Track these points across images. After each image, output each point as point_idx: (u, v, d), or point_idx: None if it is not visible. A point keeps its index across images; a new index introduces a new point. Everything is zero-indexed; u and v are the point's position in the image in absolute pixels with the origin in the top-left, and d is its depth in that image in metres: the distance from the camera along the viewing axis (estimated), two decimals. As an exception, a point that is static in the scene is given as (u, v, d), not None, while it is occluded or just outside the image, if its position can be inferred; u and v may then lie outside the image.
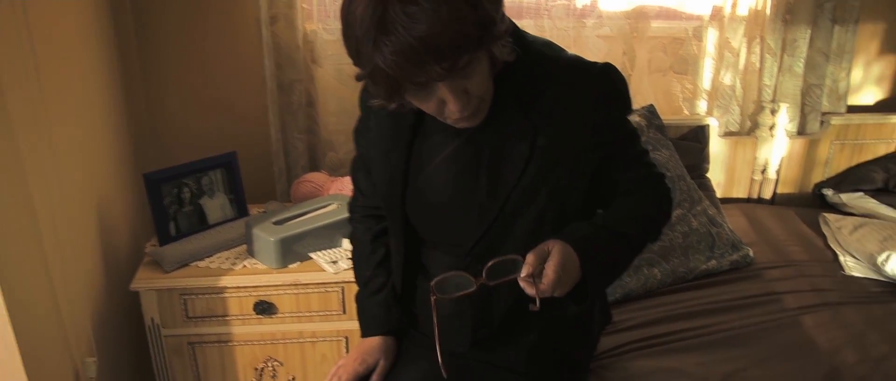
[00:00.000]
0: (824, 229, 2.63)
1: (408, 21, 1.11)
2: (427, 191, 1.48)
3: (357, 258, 1.74)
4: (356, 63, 1.21)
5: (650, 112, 2.58)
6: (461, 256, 1.48)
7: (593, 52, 2.65)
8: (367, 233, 1.70)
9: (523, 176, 1.39)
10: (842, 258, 2.42)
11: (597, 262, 1.37)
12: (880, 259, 2.27)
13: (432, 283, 1.31)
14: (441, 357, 1.35)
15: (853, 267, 2.37)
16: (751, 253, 2.38)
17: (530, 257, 1.28)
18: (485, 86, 1.28)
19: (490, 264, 1.30)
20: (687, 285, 2.24)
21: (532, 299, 1.28)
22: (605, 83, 1.39)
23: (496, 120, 1.36)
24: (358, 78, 1.25)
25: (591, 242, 1.37)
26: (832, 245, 2.51)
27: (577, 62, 1.40)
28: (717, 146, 2.82)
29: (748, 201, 2.94)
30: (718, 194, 2.82)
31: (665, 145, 2.47)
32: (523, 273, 1.27)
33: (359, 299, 1.72)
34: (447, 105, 1.25)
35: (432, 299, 1.31)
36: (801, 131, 2.89)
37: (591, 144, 1.40)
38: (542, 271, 1.28)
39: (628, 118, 1.49)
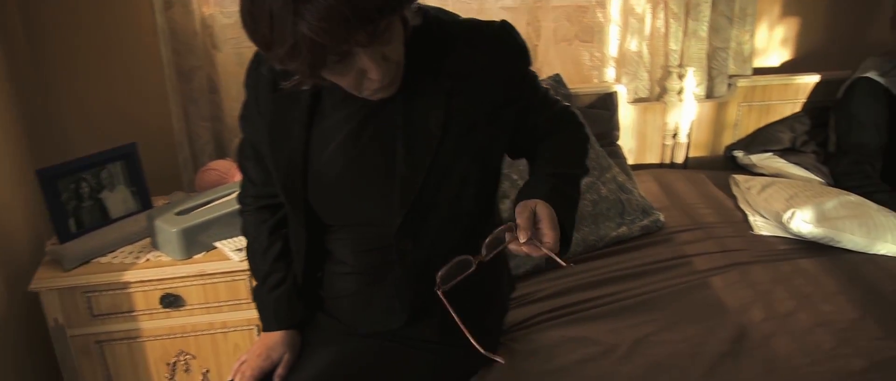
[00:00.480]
0: (734, 191, 2.65)
1: None
2: (334, 173, 1.44)
3: (253, 253, 1.67)
4: (268, 43, 1.15)
5: (556, 81, 2.58)
6: (387, 234, 1.45)
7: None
8: (261, 226, 1.64)
9: (443, 142, 1.39)
10: (751, 218, 2.45)
11: (568, 210, 1.39)
12: (785, 217, 2.30)
13: (439, 276, 1.27)
14: (473, 340, 1.29)
15: (762, 226, 2.40)
16: (661, 218, 2.39)
17: (522, 222, 1.26)
18: (401, 51, 1.27)
19: (487, 239, 1.28)
20: (598, 253, 2.24)
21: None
22: (507, 39, 1.42)
23: (406, 89, 1.35)
24: (273, 59, 1.18)
25: (557, 192, 1.38)
26: (742, 206, 2.54)
27: (475, 23, 1.42)
28: (626, 113, 2.82)
29: (661, 166, 2.97)
30: (631, 161, 2.85)
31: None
32: (522, 239, 1.25)
33: (257, 294, 1.66)
34: (368, 74, 1.22)
35: (439, 292, 1.27)
36: (710, 95, 2.91)
37: (504, 100, 1.43)
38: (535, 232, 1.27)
39: (530, 68, 1.50)
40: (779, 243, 2.32)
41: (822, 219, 2.27)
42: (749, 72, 2.93)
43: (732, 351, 1.80)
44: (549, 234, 1.26)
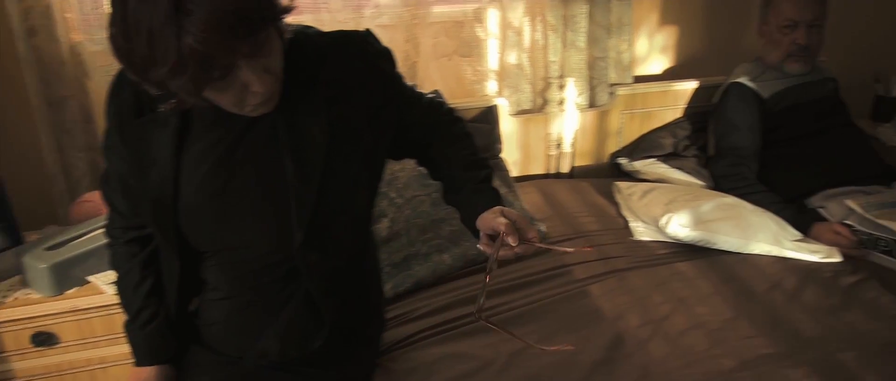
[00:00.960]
0: (617, 198, 2.69)
1: None
2: (207, 198, 1.40)
3: (124, 288, 1.61)
4: (147, 63, 1.11)
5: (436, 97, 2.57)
6: (286, 253, 1.43)
7: (376, 43, 2.62)
8: (132, 259, 1.58)
9: (330, 150, 1.39)
10: (632, 224, 2.48)
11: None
12: (662, 222, 2.33)
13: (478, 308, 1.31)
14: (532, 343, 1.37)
15: (643, 232, 2.43)
16: (543, 228, 2.40)
17: (507, 229, 1.31)
18: (280, 63, 1.26)
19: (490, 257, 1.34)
20: (478, 268, 2.23)
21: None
22: (373, 43, 1.48)
23: (284, 103, 1.34)
24: (151, 81, 1.14)
25: (498, 193, 1.50)
26: (624, 213, 2.57)
27: (341, 33, 1.46)
28: (509, 125, 2.84)
29: (546, 176, 2.98)
30: (516, 173, 2.86)
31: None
32: (515, 243, 1.31)
33: (129, 329, 1.61)
34: (251, 88, 1.20)
35: (480, 320, 1.30)
36: (592, 104, 2.94)
37: (382, 102, 1.46)
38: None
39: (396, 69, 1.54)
40: (658, 248, 2.36)
41: (698, 222, 2.31)
42: (630, 80, 2.98)
43: (608, 358, 1.82)
44: (531, 230, 1.34)
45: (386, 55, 1.50)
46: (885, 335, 1.94)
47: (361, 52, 1.45)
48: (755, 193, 2.60)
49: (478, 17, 2.74)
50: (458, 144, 1.62)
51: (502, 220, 1.33)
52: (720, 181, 2.72)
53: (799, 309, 2.05)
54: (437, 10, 2.72)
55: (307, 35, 1.41)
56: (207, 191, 1.39)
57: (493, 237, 1.35)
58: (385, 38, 2.54)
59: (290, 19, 1.27)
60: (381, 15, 2.63)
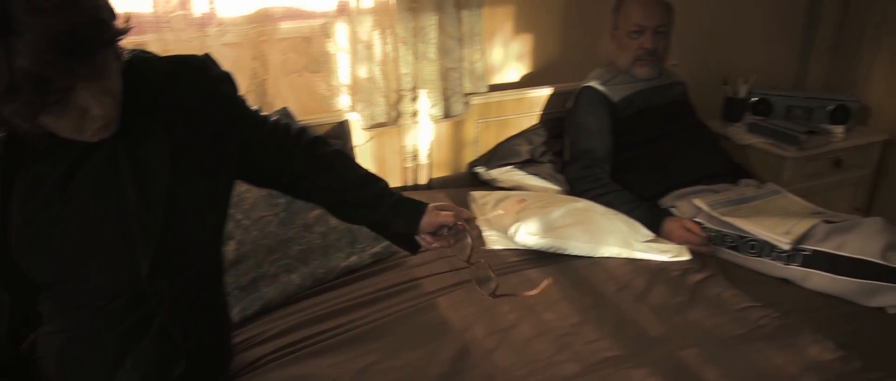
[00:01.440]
0: (472, 207, 2.69)
1: (43, 13, 1.03)
2: (48, 229, 1.33)
3: None
4: None
5: (284, 115, 2.53)
6: (132, 282, 1.38)
7: (221, 61, 2.52)
8: None
9: (175, 175, 1.36)
10: (485, 233, 2.48)
11: None
12: (510, 231, 2.35)
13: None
14: None
15: (496, 241, 2.44)
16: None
17: (461, 213, 1.57)
18: (119, 86, 1.23)
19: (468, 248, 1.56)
20: (328, 286, 2.20)
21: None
22: (212, 67, 1.49)
23: (123, 129, 1.30)
24: None
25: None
26: (479, 223, 2.56)
27: (179, 57, 1.46)
28: (363, 139, 2.81)
29: (404, 188, 2.96)
30: (372, 187, 2.83)
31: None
32: (474, 224, 1.54)
33: None
34: (90, 111, 1.16)
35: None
36: (447, 114, 2.94)
37: (224, 125, 1.47)
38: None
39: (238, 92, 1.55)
40: (509, 256, 2.36)
41: (548, 229, 2.33)
42: (484, 89, 2.99)
43: (454, 370, 1.81)
44: (465, 211, 1.63)
45: (226, 79, 1.50)
46: (726, 330, 2.00)
47: (201, 76, 1.45)
48: (608, 193, 2.65)
49: (326, 32, 2.70)
50: (338, 166, 1.66)
51: (448, 213, 1.55)
52: (574, 184, 2.76)
53: (646, 309, 2.09)
54: (285, 25, 2.68)
55: (145, 59, 1.39)
56: (40, 221, 1.33)
57: (436, 234, 1.60)
58: (231, 57, 2.54)
59: (132, 39, 1.25)
60: (225, 33, 2.57)
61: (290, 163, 1.63)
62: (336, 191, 1.66)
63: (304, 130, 1.68)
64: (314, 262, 2.21)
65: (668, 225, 2.53)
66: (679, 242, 2.47)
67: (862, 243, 2.28)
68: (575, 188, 2.76)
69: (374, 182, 1.68)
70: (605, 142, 2.81)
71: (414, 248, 1.72)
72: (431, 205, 1.63)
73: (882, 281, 2.20)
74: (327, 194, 1.68)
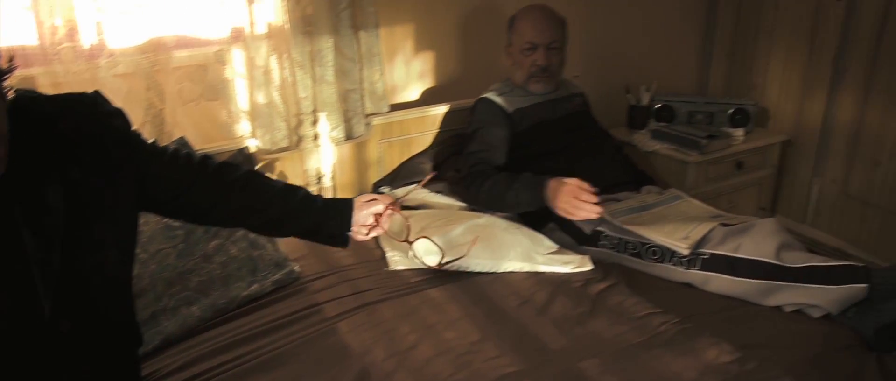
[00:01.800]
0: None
1: None
2: None
3: None
4: None
5: (182, 145, 2.50)
6: (34, 326, 1.34)
7: (115, 93, 2.50)
8: None
9: (71, 214, 1.34)
10: (389, 254, 2.48)
11: None
12: (411, 252, 2.33)
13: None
14: None
15: (399, 261, 2.43)
16: (296, 268, 2.36)
17: (393, 208, 1.74)
18: (6, 125, 1.21)
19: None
20: (229, 316, 2.17)
21: None
22: (103, 104, 1.46)
23: (13, 169, 1.27)
24: None
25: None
26: (382, 243, 2.56)
27: (68, 96, 1.44)
28: (264, 166, 2.79)
29: (310, 213, 2.93)
30: (276, 212, 2.81)
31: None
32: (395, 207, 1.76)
33: None
34: None
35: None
36: (349, 136, 2.94)
37: (119, 161, 1.45)
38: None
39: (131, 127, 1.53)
40: (412, 276, 2.36)
41: (449, 248, 2.33)
42: (386, 109, 3.00)
43: (353, 396, 1.80)
44: (383, 197, 1.77)
45: (118, 114, 1.49)
46: (627, 339, 2.03)
47: (92, 113, 1.42)
48: (491, 177, 2.68)
49: (221, 60, 2.67)
50: (253, 185, 1.69)
51: (374, 207, 1.74)
52: (467, 186, 2.76)
53: (547, 322, 2.11)
54: (179, 54, 2.64)
55: (33, 99, 1.37)
56: None
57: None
58: (124, 88, 2.51)
59: (19, 73, 1.24)
60: (117, 64, 2.53)
61: (199, 191, 1.62)
62: (258, 210, 1.68)
63: (207, 157, 1.67)
64: (215, 292, 2.18)
65: (552, 187, 2.48)
66: (566, 205, 2.43)
67: (756, 244, 2.34)
68: (468, 192, 2.76)
69: (294, 192, 1.72)
70: (497, 148, 2.82)
71: (345, 242, 1.77)
72: (357, 198, 1.74)
73: (777, 280, 2.25)
74: (249, 214, 1.69)
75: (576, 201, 2.38)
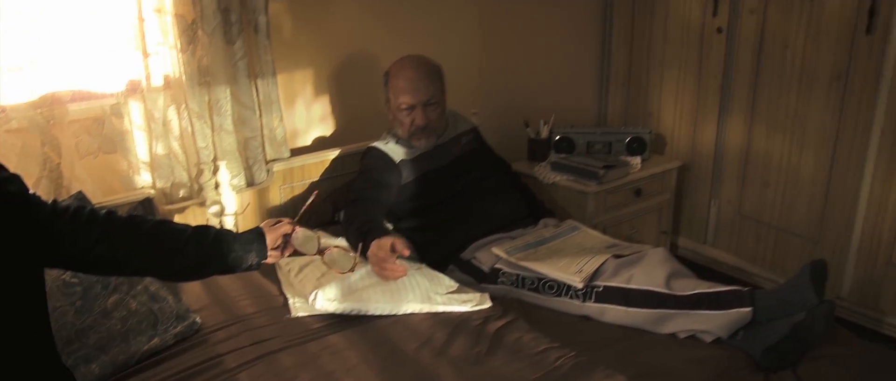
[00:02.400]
0: (279, 275, 2.68)
1: None
2: None
3: None
4: None
5: (79, 200, 2.49)
6: None
7: (9, 149, 2.49)
8: None
9: None
10: (291, 301, 2.49)
11: None
12: (311, 299, 2.37)
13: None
14: None
15: (300, 307, 2.44)
16: (198, 320, 2.35)
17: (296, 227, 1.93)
18: None
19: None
20: (130, 372, 2.16)
21: None
22: None
23: None
24: None
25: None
26: (285, 290, 2.57)
27: None
28: (166, 216, 2.79)
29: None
30: (178, 263, 2.81)
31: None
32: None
33: None
34: None
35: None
36: (251, 183, 2.96)
37: (14, 226, 1.45)
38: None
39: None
40: (313, 323, 2.38)
41: (347, 293, 2.37)
42: (286, 154, 3.03)
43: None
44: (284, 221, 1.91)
45: (14, 180, 1.49)
46: (524, 375, 2.09)
47: None
48: (353, 223, 2.68)
49: (117, 113, 2.68)
50: (165, 233, 1.72)
51: (282, 224, 1.87)
52: (346, 228, 2.76)
53: (445, 364, 2.15)
54: (74, 107, 2.64)
55: None
56: None
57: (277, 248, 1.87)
58: (18, 144, 2.50)
59: None
60: (10, 120, 2.52)
61: (112, 243, 1.63)
62: (175, 254, 1.71)
63: (112, 211, 1.70)
64: (115, 348, 2.17)
65: (371, 250, 2.49)
66: (376, 270, 2.45)
67: (647, 274, 2.43)
68: (347, 233, 2.76)
69: (205, 234, 1.75)
70: (379, 192, 2.85)
71: (259, 266, 1.86)
72: (263, 224, 1.85)
73: (669, 309, 2.35)
74: (167, 260, 1.72)
75: (380, 266, 2.41)
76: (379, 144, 2.97)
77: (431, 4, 3.52)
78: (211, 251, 1.75)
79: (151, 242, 1.69)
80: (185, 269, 1.76)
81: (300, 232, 1.94)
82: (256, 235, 1.84)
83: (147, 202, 2.71)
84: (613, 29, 4.22)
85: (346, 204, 2.84)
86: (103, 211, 1.68)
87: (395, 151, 2.96)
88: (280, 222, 1.89)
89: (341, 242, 2.58)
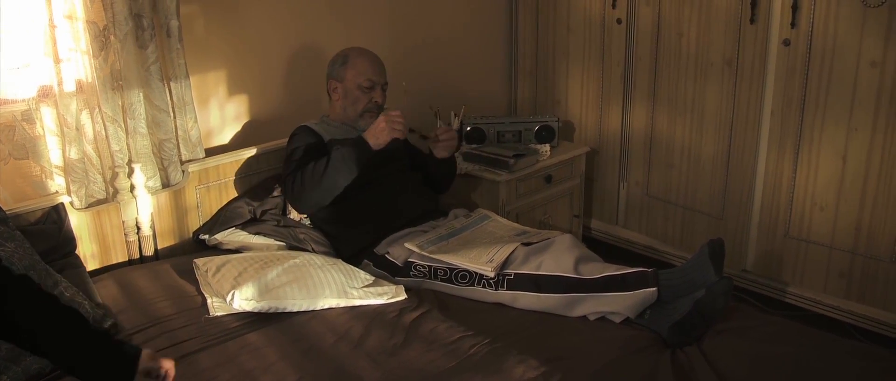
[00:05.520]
0: (198, 275, 2.70)
1: None
2: None
3: None
4: None
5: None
6: None
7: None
8: None
9: None
10: (210, 301, 2.51)
11: None
12: (228, 299, 2.40)
13: None
14: None
15: (219, 307, 2.47)
16: (116, 323, 2.37)
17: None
18: None
19: None
20: None
21: None
22: None
23: None
24: None
25: None
26: (203, 290, 2.59)
27: None
28: (81, 220, 2.80)
29: (130, 263, 2.95)
30: (96, 265, 2.85)
31: (10, 238, 2.36)
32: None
33: None
34: None
35: None
36: (166, 184, 2.99)
37: None
38: None
39: None
40: (231, 322, 2.41)
41: (264, 291, 2.42)
42: (201, 155, 3.05)
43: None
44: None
45: None
46: (439, 365, 2.17)
47: None
48: (308, 164, 2.84)
49: (28, 119, 2.68)
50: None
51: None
52: (295, 192, 2.86)
53: (363, 356, 2.22)
54: (-17, 113, 2.64)
55: None
56: None
57: None
58: None
59: None
60: (-84, 128, 2.51)
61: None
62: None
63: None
64: (27, 358, 2.11)
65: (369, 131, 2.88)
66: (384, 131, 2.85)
67: (556, 260, 2.54)
68: (298, 198, 2.86)
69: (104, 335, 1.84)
70: (318, 155, 2.92)
71: None
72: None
73: (579, 292, 2.47)
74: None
75: (386, 120, 2.85)
76: (309, 124, 3.08)
77: (338, 0, 3.57)
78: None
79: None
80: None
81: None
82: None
83: (60, 208, 2.71)
84: (519, 22, 4.33)
85: (289, 172, 2.90)
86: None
87: (324, 130, 3.05)
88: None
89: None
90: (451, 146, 3.21)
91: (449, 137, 3.19)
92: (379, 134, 2.85)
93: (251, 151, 3.18)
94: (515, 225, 3.04)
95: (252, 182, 3.21)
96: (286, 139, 3.12)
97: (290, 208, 3.07)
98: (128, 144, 2.85)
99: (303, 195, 2.84)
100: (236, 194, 3.17)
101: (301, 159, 2.90)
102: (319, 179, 2.79)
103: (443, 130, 3.21)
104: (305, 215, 3.07)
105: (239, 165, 3.15)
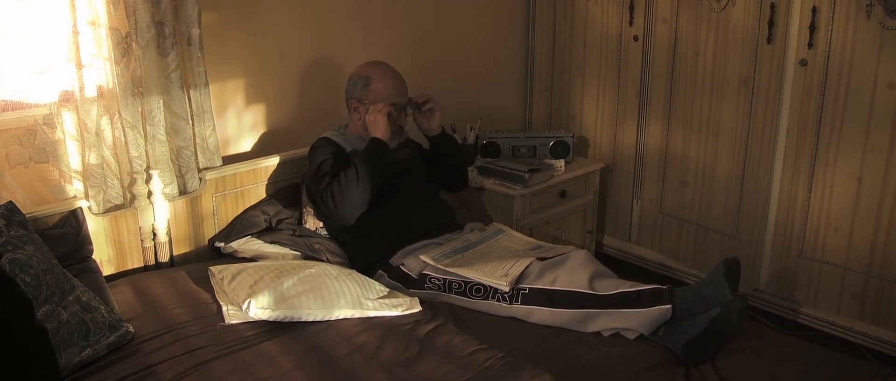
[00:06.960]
0: (213, 283, 2.71)
1: None
2: None
3: None
4: None
5: (9, 210, 2.49)
6: None
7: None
8: None
9: None
10: (225, 309, 2.51)
11: None
12: (244, 307, 2.40)
13: None
14: None
15: (234, 315, 2.48)
16: (130, 329, 2.37)
17: None
18: None
19: None
20: (63, 384, 2.19)
21: None
22: None
23: None
24: None
25: None
26: (218, 298, 2.59)
27: None
28: (98, 225, 2.81)
29: (145, 269, 2.97)
30: (111, 270, 2.86)
31: (29, 241, 2.37)
32: None
33: None
34: None
35: None
36: (183, 191, 3.00)
37: None
38: None
39: None
40: (247, 330, 2.41)
41: (279, 300, 2.42)
42: (218, 163, 3.07)
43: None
44: None
45: None
46: (454, 378, 2.17)
47: None
48: (349, 171, 2.84)
49: (49, 123, 2.70)
50: None
51: None
52: (335, 201, 2.84)
53: (377, 368, 2.22)
54: (4, 117, 2.66)
55: None
56: None
57: None
58: None
59: None
60: (-60, 131, 2.54)
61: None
62: None
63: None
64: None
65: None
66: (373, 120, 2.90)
67: (571, 276, 2.54)
68: (330, 209, 2.85)
69: None
70: (342, 162, 2.94)
71: None
72: None
73: (593, 308, 2.47)
74: None
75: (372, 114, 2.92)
76: (329, 135, 3.07)
77: (359, 14, 3.59)
78: None
79: None
80: None
81: None
82: None
83: (76, 214, 2.72)
84: (536, 38, 4.36)
85: (325, 186, 2.88)
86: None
87: (345, 141, 3.05)
88: None
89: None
90: (433, 106, 3.18)
91: (426, 98, 3.16)
92: (376, 128, 2.90)
93: (268, 161, 3.19)
94: (530, 239, 3.04)
95: (269, 191, 3.22)
96: (303, 149, 3.14)
97: (305, 217, 3.09)
98: (146, 151, 2.87)
99: (346, 201, 2.82)
100: (252, 203, 3.18)
101: (332, 170, 2.91)
102: (356, 182, 2.80)
103: (417, 95, 3.18)
104: (321, 225, 3.09)
105: (256, 175, 3.16)
